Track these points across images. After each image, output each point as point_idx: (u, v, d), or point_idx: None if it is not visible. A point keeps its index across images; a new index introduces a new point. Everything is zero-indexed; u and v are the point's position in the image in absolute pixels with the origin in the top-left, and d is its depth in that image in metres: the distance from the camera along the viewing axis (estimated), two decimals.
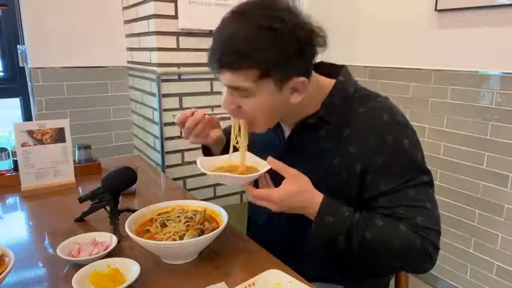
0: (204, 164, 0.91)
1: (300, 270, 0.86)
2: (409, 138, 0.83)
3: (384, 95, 0.91)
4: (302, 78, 0.80)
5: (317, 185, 0.84)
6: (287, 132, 0.95)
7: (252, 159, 0.93)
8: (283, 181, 0.81)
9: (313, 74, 0.90)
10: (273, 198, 0.80)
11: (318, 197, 0.82)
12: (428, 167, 0.86)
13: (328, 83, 0.90)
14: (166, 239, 0.89)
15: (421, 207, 0.82)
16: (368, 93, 0.90)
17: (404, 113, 0.88)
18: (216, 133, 1.04)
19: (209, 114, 0.98)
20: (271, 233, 1.03)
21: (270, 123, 0.89)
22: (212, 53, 0.79)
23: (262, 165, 0.87)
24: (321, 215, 0.81)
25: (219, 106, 1.17)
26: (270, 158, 0.83)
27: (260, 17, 0.73)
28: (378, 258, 0.85)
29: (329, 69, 0.94)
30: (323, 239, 0.83)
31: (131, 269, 0.82)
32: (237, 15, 0.76)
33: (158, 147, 2.26)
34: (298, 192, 0.81)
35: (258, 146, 1.00)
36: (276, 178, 0.84)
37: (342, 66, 0.94)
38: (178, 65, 2.17)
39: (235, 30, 0.74)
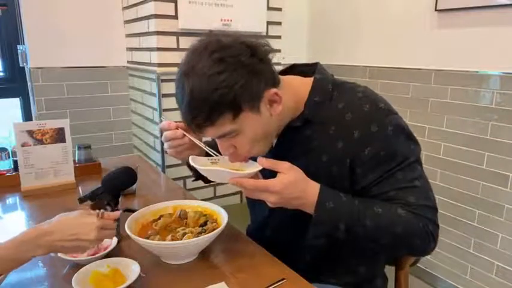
0: (196, 162, 0.89)
1: (300, 271, 0.86)
2: (392, 124, 0.84)
3: (362, 85, 0.91)
4: (272, 90, 0.81)
5: None
6: (274, 138, 0.95)
7: (247, 164, 0.90)
8: (278, 174, 0.81)
9: (289, 77, 0.90)
10: (272, 187, 0.79)
11: (314, 186, 0.83)
12: (415, 141, 0.87)
13: (306, 83, 0.90)
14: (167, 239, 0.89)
15: (411, 187, 0.83)
16: (347, 86, 0.91)
17: (386, 99, 0.88)
18: (193, 153, 0.99)
19: (191, 139, 0.93)
20: (269, 233, 1.03)
21: (268, 143, 0.89)
22: (184, 119, 0.81)
23: (252, 166, 0.86)
24: (321, 201, 0.81)
25: None
26: (260, 158, 0.83)
27: (203, 67, 0.76)
28: (382, 245, 0.85)
29: (303, 69, 0.95)
30: (324, 228, 0.83)
31: (131, 269, 0.82)
32: (184, 76, 0.79)
33: (158, 147, 2.27)
34: (295, 181, 0.81)
35: None
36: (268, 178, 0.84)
37: (316, 64, 0.94)
38: (178, 65, 2.17)
39: (189, 92, 0.76)
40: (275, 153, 0.94)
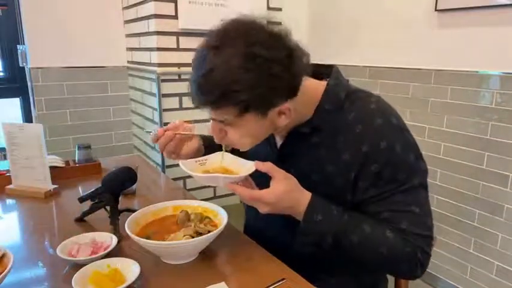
0: (187, 166, 0.90)
1: (300, 271, 0.86)
2: (402, 142, 0.82)
3: (376, 94, 0.88)
4: (286, 105, 0.78)
5: (312, 191, 0.84)
6: (279, 140, 0.94)
7: (236, 162, 0.92)
8: (272, 181, 0.80)
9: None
10: (266, 199, 0.79)
11: (306, 195, 0.82)
12: (424, 164, 0.85)
13: (319, 87, 0.87)
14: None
15: (407, 212, 0.81)
16: (362, 95, 0.87)
17: (398, 111, 0.86)
18: (191, 147, 1.00)
19: (182, 134, 0.96)
20: (266, 232, 1.02)
21: (256, 143, 0.87)
22: (191, 89, 0.78)
23: (244, 166, 0.87)
24: (309, 212, 0.81)
25: None
26: (257, 162, 0.83)
27: (234, 53, 0.72)
28: (366, 262, 0.86)
29: (318, 70, 0.90)
30: (311, 238, 0.83)
31: (131, 269, 0.82)
32: (213, 48, 0.74)
33: (158, 147, 2.26)
34: (289, 191, 0.81)
35: (249, 153, 0.97)
36: (259, 181, 0.85)
37: (332, 66, 0.91)
38: (178, 65, 2.18)
39: (210, 69, 0.73)
40: (279, 155, 0.93)
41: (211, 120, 0.84)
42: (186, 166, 0.89)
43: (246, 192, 0.81)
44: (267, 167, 0.81)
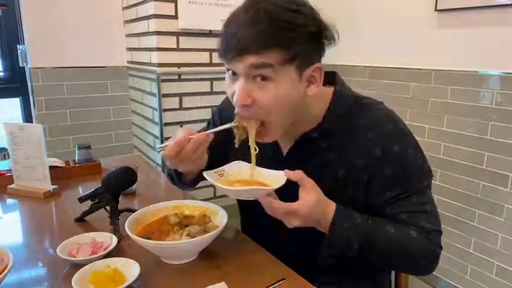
0: (212, 178, 0.84)
1: (300, 271, 0.86)
2: (412, 146, 0.85)
3: (379, 101, 0.90)
4: (319, 64, 0.80)
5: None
6: (285, 147, 0.93)
7: (262, 173, 0.87)
8: (302, 191, 0.77)
9: None
10: (298, 212, 0.76)
11: (331, 205, 0.81)
12: (428, 165, 0.88)
13: (326, 92, 0.87)
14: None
15: (423, 212, 0.84)
16: (368, 102, 0.89)
17: (397, 112, 0.89)
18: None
19: (196, 135, 0.82)
20: (265, 231, 1.01)
21: (285, 124, 0.83)
22: (229, 38, 0.73)
23: (277, 178, 0.81)
24: (336, 222, 0.80)
25: (217, 106, 1.15)
26: (286, 170, 0.79)
27: (278, 1, 0.74)
28: (393, 264, 0.88)
29: None
30: (337, 248, 0.82)
31: (131, 269, 0.82)
32: (252, 2, 0.75)
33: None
34: (318, 202, 0.78)
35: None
36: (280, 191, 0.81)
37: (333, 73, 0.91)
38: (178, 65, 2.18)
39: (256, 13, 0.71)
40: (287, 161, 0.90)
41: (238, 85, 0.76)
42: (210, 177, 0.84)
43: (273, 204, 0.76)
44: (297, 176, 0.78)
